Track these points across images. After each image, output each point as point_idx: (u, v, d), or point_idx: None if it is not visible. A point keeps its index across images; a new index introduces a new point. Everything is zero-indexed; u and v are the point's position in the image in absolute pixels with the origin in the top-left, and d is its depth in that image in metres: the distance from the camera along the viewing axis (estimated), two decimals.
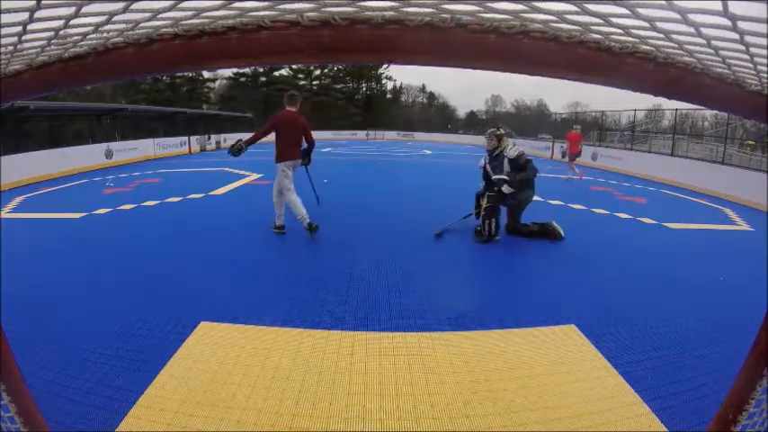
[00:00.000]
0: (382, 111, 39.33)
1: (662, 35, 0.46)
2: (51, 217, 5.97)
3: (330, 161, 15.25)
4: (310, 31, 0.45)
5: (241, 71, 36.71)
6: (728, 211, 7.58)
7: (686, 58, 0.52)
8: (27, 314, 2.84)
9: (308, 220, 4.71)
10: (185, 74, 29.25)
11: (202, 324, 2.74)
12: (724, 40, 0.46)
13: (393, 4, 0.44)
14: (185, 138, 18.49)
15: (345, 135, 33.27)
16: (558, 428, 1.83)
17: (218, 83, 38.50)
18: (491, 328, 2.78)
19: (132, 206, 6.61)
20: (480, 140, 33.99)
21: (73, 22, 0.47)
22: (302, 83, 39.36)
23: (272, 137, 4.70)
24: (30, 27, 0.47)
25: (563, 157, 13.41)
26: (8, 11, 0.43)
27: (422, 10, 0.45)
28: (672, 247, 5.00)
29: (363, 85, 41.58)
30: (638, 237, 5.46)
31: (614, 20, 0.44)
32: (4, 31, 0.46)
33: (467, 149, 25.78)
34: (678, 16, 0.42)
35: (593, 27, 0.46)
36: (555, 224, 5.06)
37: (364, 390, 2.08)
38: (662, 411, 1.96)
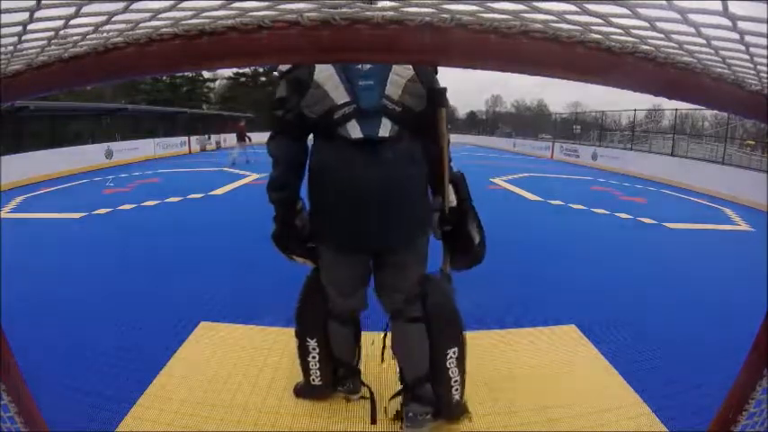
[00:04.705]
0: None
1: (662, 35, 0.46)
2: (51, 217, 5.97)
3: None
4: (310, 31, 0.45)
5: (241, 71, 36.70)
6: (728, 211, 7.58)
7: (686, 58, 0.52)
8: (27, 314, 2.84)
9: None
10: (185, 74, 29.25)
11: (202, 324, 2.74)
12: (724, 40, 0.46)
13: (393, 4, 0.44)
14: (185, 138, 18.51)
15: None
16: (558, 428, 1.83)
17: (218, 83, 38.51)
18: (491, 328, 2.78)
19: (132, 206, 6.61)
20: (481, 141, 33.70)
21: (73, 22, 0.46)
22: None
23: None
24: (30, 27, 0.47)
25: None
26: (8, 11, 0.43)
27: (422, 10, 0.45)
28: (672, 247, 5.00)
29: None
30: (639, 237, 5.46)
31: (614, 20, 0.44)
32: (4, 31, 0.46)
33: (467, 149, 25.80)
34: (678, 16, 0.42)
35: (593, 27, 0.46)
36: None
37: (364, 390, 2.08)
38: (662, 411, 1.96)
